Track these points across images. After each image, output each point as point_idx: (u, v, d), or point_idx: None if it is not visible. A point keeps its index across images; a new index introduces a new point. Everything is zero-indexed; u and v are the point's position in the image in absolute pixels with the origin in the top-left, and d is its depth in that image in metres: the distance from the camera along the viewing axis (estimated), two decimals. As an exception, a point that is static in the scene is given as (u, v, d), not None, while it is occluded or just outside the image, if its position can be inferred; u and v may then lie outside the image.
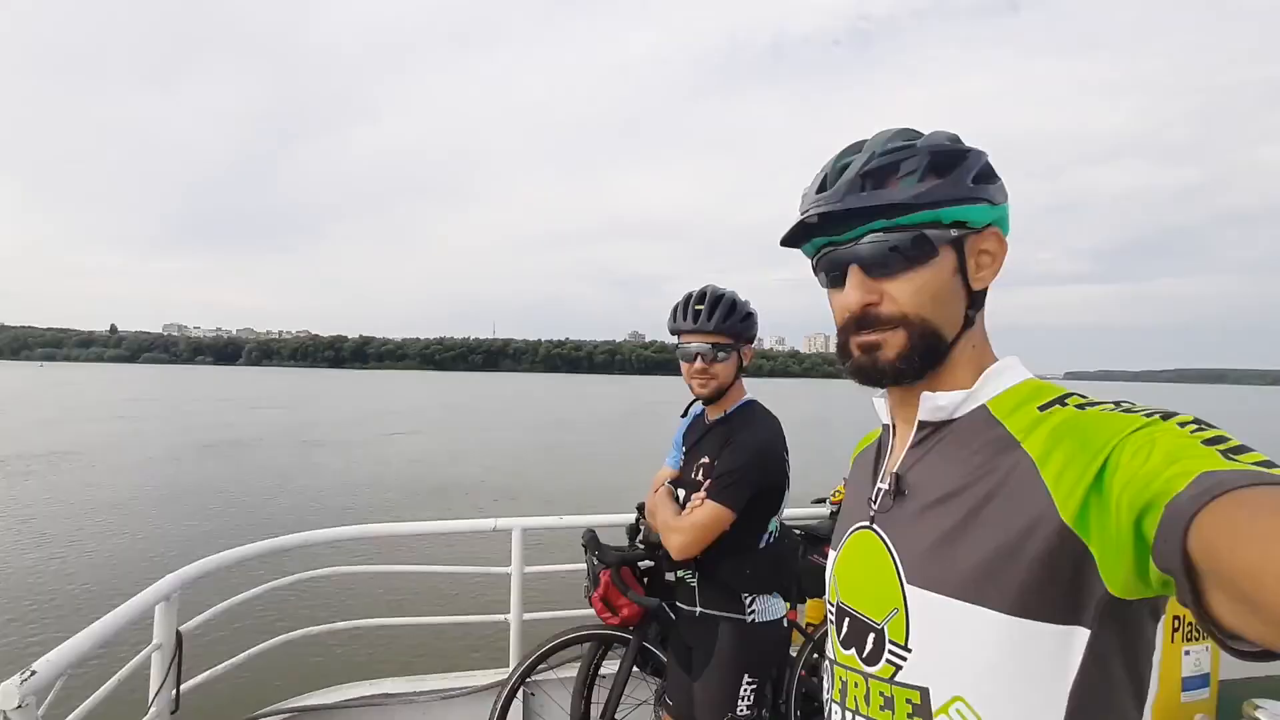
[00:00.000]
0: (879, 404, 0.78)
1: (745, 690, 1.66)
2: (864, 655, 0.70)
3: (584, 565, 2.35)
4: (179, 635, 1.94)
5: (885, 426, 0.78)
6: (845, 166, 0.70)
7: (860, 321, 0.69)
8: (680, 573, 1.79)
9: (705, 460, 1.72)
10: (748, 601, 1.68)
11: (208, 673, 2.08)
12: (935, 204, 0.65)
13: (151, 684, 1.88)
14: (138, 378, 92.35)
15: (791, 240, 0.74)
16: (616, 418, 36.08)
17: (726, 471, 1.61)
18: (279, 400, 44.84)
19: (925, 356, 0.68)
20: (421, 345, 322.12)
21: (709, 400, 1.79)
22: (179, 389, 58.19)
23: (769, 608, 1.70)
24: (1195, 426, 0.52)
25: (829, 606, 0.79)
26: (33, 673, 1.34)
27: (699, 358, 1.71)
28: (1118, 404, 0.59)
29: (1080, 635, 0.56)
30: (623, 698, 2.19)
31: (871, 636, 0.69)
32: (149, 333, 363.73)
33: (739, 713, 1.65)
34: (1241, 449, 0.49)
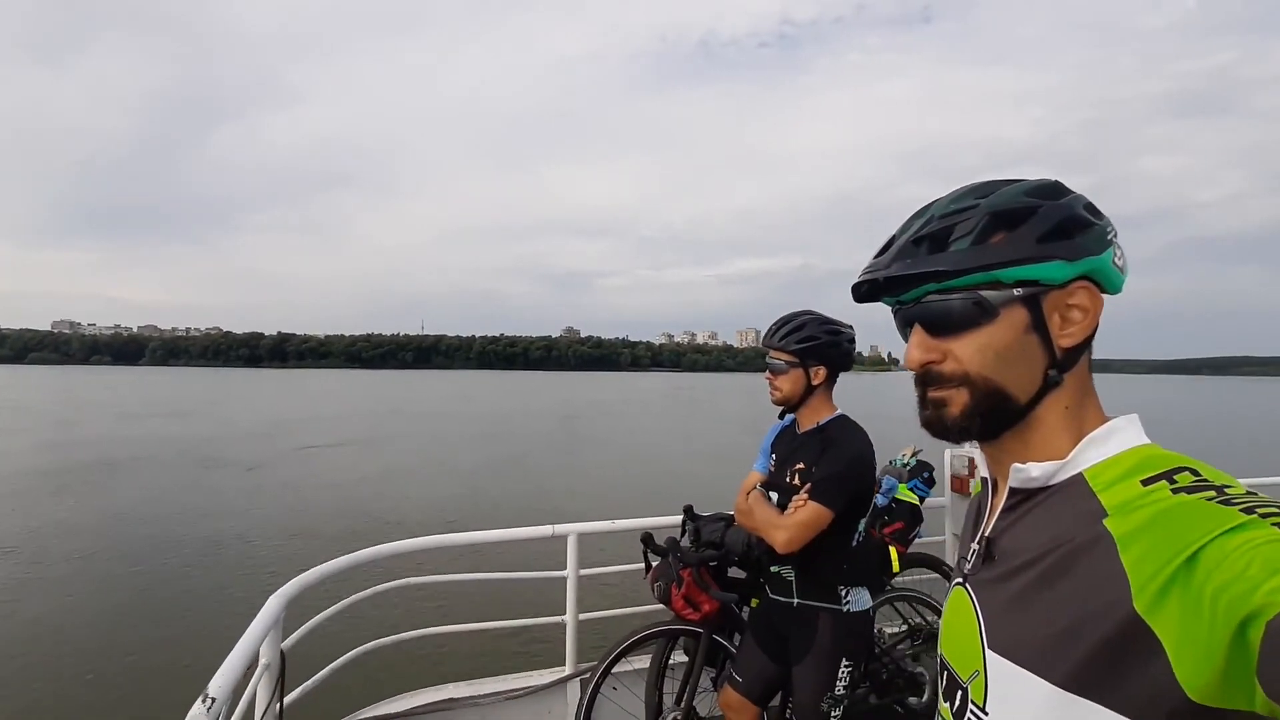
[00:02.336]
0: (977, 455, 0.87)
1: (842, 673, 1.87)
2: (954, 710, 0.71)
3: (635, 566, 2.50)
4: (282, 653, 1.97)
5: (984, 480, 0.77)
6: (908, 230, 0.72)
7: (923, 378, 0.70)
8: (776, 568, 1.97)
9: (800, 466, 1.90)
10: (843, 594, 1.89)
11: (299, 689, 2.11)
12: (989, 266, 0.65)
13: (258, 702, 1.91)
14: (22, 381, 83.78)
15: (863, 298, 0.76)
16: (573, 417, 35.94)
17: (828, 476, 1.80)
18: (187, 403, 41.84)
19: (991, 417, 0.67)
20: (347, 342, 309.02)
21: (789, 409, 2.00)
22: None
23: (860, 599, 1.92)
24: None
25: (939, 655, 0.79)
26: (213, 699, 1.40)
27: (768, 369, 1.98)
28: (1221, 490, 0.55)
29: None
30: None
31: (959, 694, 0.70)
32: (36, 330, 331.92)
33: (836, 693, 1.86)
34: None
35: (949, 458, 3.33)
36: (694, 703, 2.36)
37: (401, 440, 22.77)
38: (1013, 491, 0.69)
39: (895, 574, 2.85)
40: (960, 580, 0.75)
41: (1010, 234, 0.65)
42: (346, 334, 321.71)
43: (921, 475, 3.05)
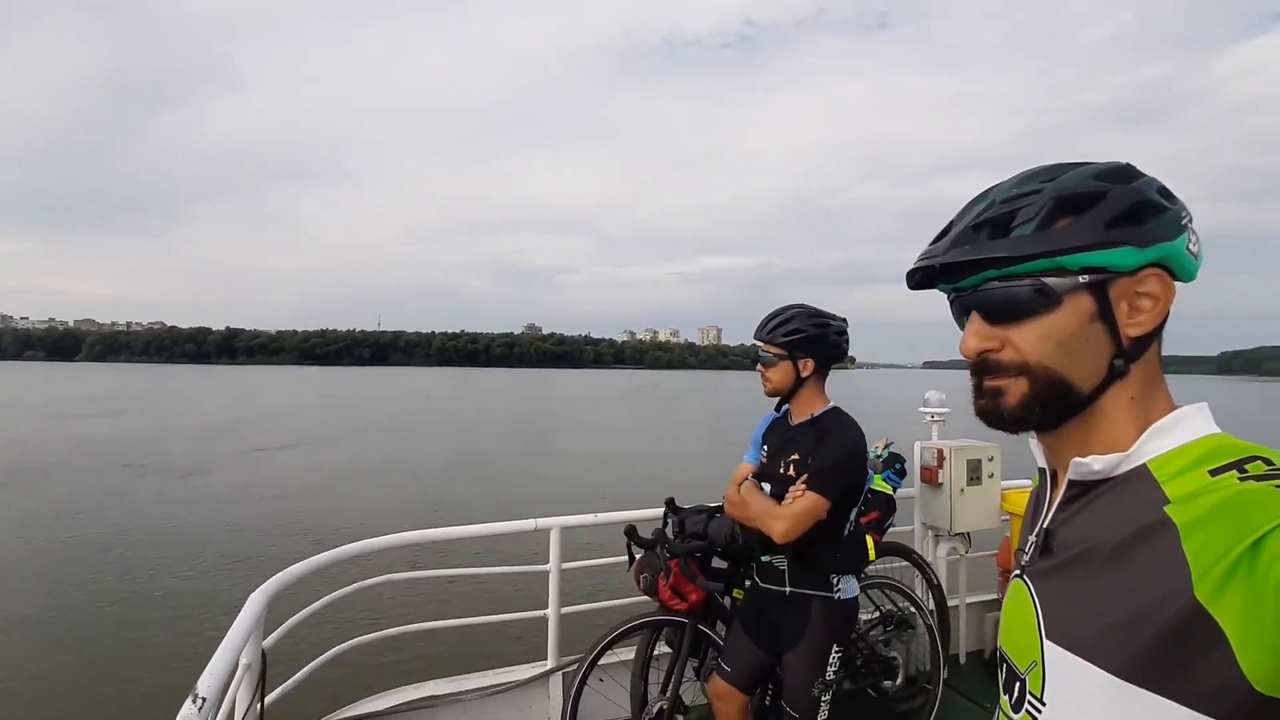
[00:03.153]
0: (1034, 445, 0.75)
1: (833, 658, 1.91)
2: (1013, 702, 0.71)
3: (618, 559, 2.51)
4: (263, 652, 1.92)
5: (1042, 471, 0.76)
6: (967, 214, 0.69)
7: (980, 367, 0.68)
8: (767, 557, 2.01)
9: (795, 457, 1.93)
10: (835, 581, 1.94)
11: (279, 689, 2.06)
12: (1053, 253, 0.62)
13: (239, 703, 1.85)
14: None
15: (919, 284, 0.74)
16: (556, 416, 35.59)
17: (824, 467, 1.84)
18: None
19: (1051, 407, 0.65)
20: (299, 338, 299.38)
21: (784, 400, 2.04)
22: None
23: (850, 586, 1.97)
24: None
25: (999, 648, 0.79)
26: (203, 699, 1.37)
27: (759, 361, 2.01)
28: None
29: None
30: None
31: (1017, 685, 0.70)
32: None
33: (827, 678, 1.91)
34: None
35: (919, 449, 3.44)
36: (679, 692, 2.38)
37: (367, 439, 22.21)
38: (1072, 484, 0.67)
39: (870, 562, 2.94)
40: (1018, 573, 0.73)
41: (1077, 219, 0.63)
42: (299, 330, 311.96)
43: (894, 466, 3.15)
